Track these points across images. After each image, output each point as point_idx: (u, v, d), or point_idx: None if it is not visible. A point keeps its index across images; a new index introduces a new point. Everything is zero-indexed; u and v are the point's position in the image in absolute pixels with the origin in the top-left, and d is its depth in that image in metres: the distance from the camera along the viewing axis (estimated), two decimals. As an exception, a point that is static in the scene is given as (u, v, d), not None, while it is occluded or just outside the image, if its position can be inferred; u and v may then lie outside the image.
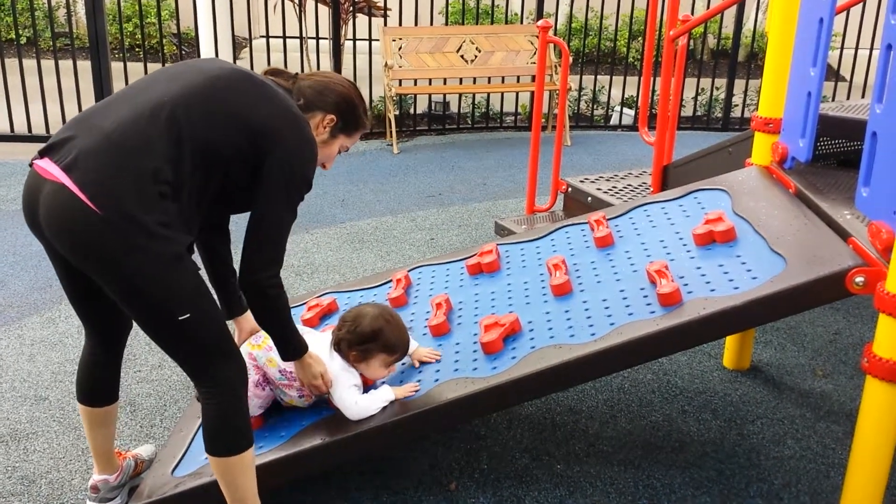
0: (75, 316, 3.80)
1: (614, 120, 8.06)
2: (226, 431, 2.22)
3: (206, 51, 6.80)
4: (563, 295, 2.79)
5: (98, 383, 2.45)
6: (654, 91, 7.57)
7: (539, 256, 3.16)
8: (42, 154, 2.04)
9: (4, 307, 3.92)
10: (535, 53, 7.41)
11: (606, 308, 2.62)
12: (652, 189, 4.27)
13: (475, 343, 2.68)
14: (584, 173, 5.97)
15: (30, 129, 6.53)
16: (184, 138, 2.04)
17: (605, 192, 4.70)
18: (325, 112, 2.35)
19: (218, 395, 2.20)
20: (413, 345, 2.69)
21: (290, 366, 2.50)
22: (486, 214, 5.43)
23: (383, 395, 2.48)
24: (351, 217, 5.33)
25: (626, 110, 8.00)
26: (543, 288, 2.90)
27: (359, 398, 2.46)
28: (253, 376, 2.54)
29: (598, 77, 8.17)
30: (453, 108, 7.98)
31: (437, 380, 2.56)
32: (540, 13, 7.68)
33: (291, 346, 2.39)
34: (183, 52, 8.26)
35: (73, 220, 1.94)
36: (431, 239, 4.97)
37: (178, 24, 6.86)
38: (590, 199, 4.70)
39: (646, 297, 2.60)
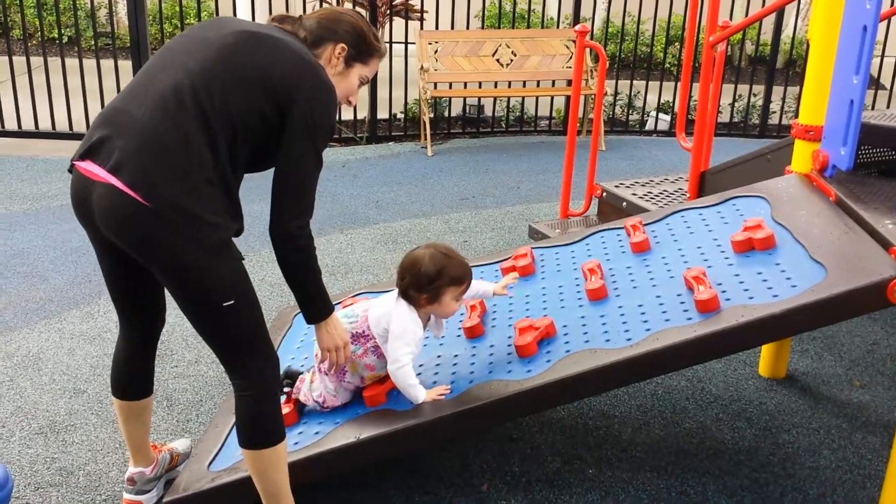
0: (114, 311, 3.86)
1: (650, 125, 8.02)
2: (258, 425, 2.26)
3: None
4: (599, 300, 2.78)
5: (132, 377, 2.49)
6: (690, 97, 7.52)
7: (574, 261, 3.16)
8: (84, 157, 2.10)
9: (45, 301, 3.99)
10: (570, 58, 7.41)
11: (643, 314, 2.60)
12: (689, 195, 4.24)
13: (509, 346, 2.68)
14: (619, 178, 5.93)
15: (71, 127, 6.64)
16: (210, 117, 2.07)
17: (641, 198, 4.67)
18: (335, 42, 2.32)
19: (251, 388, 2.23)
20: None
21: (361, 328, 2.54)
22: (520, 218, 5.43)
23: (418, 391, 2.49)
24: (385, 218, 5.35)
25: (661, 116, 7.95)
26: (579, 292, 2.90)
27: (409, 361, 2.47)
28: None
29: (634, 82, 8.13)
30: (487, 112, 7.98)
31: (471, 381, 2.56)
32: (577, 17, 7.66)
33: (319, 304, 2.33)
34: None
35: (129, 216, 2.02)
36: (465, 241, 4.98)
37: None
38: (625, 204, 4.68)
39: (683, 303, 2.58)
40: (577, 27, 4.70)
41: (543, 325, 2.65)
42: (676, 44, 9.69)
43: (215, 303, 2.11)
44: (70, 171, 2.18)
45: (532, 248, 3.36)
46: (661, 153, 7.23)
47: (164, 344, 3.51)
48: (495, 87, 7.57)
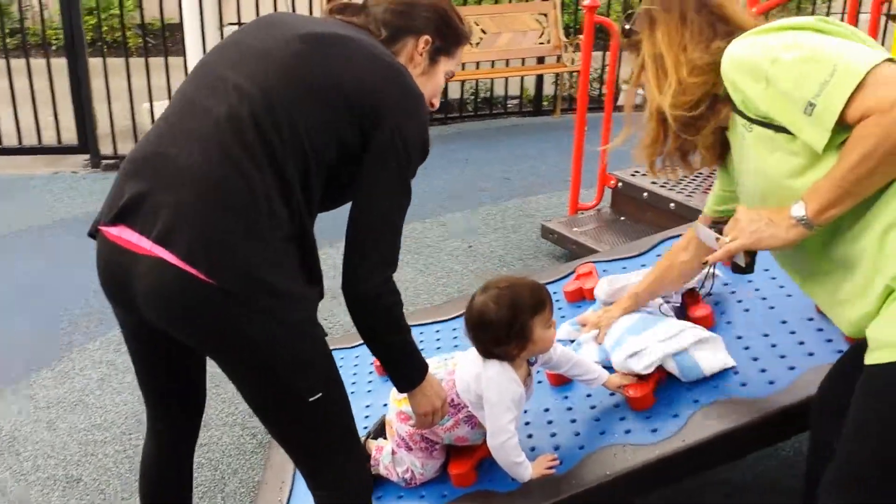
0: (92, 366, 3.28)
1: (622, 100, 7.63)
2: None
3: (193, 42, 6.22)
4: (710, 328, 2.35)
5: (166, 488, 1.97)
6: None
7: (651, 278, 2.72)
8: (115, 220, 1.57)
9: (5, 360, 3.36)
10: (543, 33, 6.95)
11: (773, 347, 2.19)
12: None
13: (612, 395, 2.23)
14: (608, 161, 5.51)
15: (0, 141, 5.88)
16: (279, 153, 1.59)
17: (663, 186, 4.27)
18: (418, 34, 1.83)
19: (338, 499, 1.78)
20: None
21: (449, 395, 2.06)
22: (520, 214, 4.97)
23: (525, 469, 2.03)
24: (375, 224, 4.83)
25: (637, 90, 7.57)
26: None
27: (514, 432, 2.00)
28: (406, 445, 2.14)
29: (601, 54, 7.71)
30: (451, 94, 7.46)
31: (581, 447, 2.11)
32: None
33: (411, 367, 1.88)
34: (149, 45, 7.65)
35: (188, 300, 1.53)
36: (469, 246, 4.50)
37: (155, 15, 6.27)
38: (646, 194, 4.26)
39: (820, 330, 2.18)
40: (587, 2, 4.23)
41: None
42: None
43: (300, 397, 1.65)
44: (92, 235, 1.64)
45: (593, 262, 2.91)
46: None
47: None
48: (462, 68, 7.05)
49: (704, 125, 1.68)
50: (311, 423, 1.69)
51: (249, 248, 1.55)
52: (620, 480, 1.97)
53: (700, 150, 1.75)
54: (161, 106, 6.20)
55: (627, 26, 1.76)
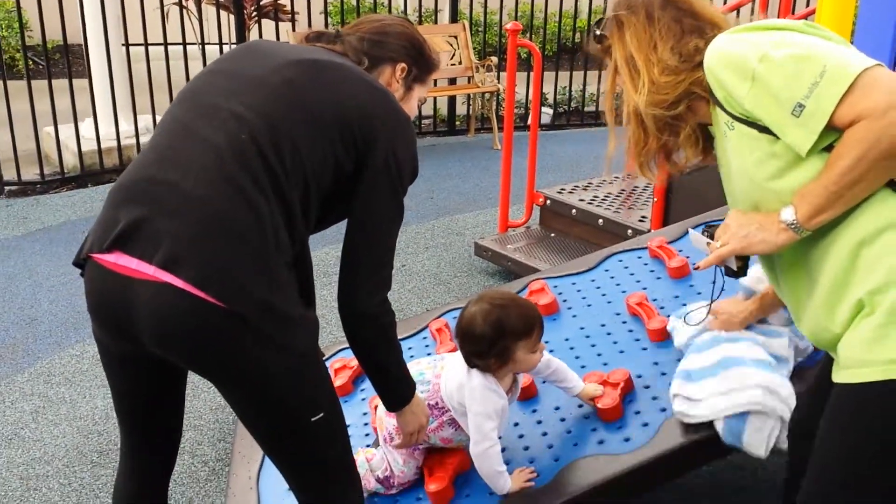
0: (23, 399, 3.13)
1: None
2: None
3: (98, 63, 6.02)
4: (666, 340, 2.44)
5: None
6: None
7: (602, 292, 2.80)
8: (112, 247, 1.52)
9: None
10: (454, 55, 7.05)
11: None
12: (655, 199, 3.98)
13: (580, 406, 2.29)
14: (524, 178, 5.62)
15: None
16: (282, 178, 1.60)
17: (590, 203, 4.41)
18: (395, 62, 1.89)
19: None
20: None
21: (434, 398, 2.12)
22: (449, 232, 5.02)
23: (505, 479, 2.06)
24: (304, 246, 4.78)
25: (544, 109, 7.76)
26: (631, 331, 2.55)
27: (496, 440, 2.04)
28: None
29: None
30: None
31: (556, 459, 2.15)
32: (455, 12, 7.32)
33: (403, 386, 1.95)
34: (40, 67, 7.36)
35: (199, 325, 1.50)
36: (403, 265, 4.52)
37: (53, 36, 6.02)
38: (574, 211, 4.39)
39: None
40: (509, 25, 4.34)
41: (622, 380, 2.27)
42: (537, 34, 9.55)
43: (303, 419, 1.64)
44: (78, 265, 1.59)
45: (543, 278, 2.97)
46: (554, 147, 7.01)
47: (109, 436, 2.84)
48: (377, 89, 7.08)
49: (682, 126, 1.66)
50: (311, 443, 1.68)
51: (258, 274, 1.54)
52: (600, 490, 2.02)
53: (683, 146, 1.70)
54: (67, 129, 5.98)
55: (598, 32, 1.74)
